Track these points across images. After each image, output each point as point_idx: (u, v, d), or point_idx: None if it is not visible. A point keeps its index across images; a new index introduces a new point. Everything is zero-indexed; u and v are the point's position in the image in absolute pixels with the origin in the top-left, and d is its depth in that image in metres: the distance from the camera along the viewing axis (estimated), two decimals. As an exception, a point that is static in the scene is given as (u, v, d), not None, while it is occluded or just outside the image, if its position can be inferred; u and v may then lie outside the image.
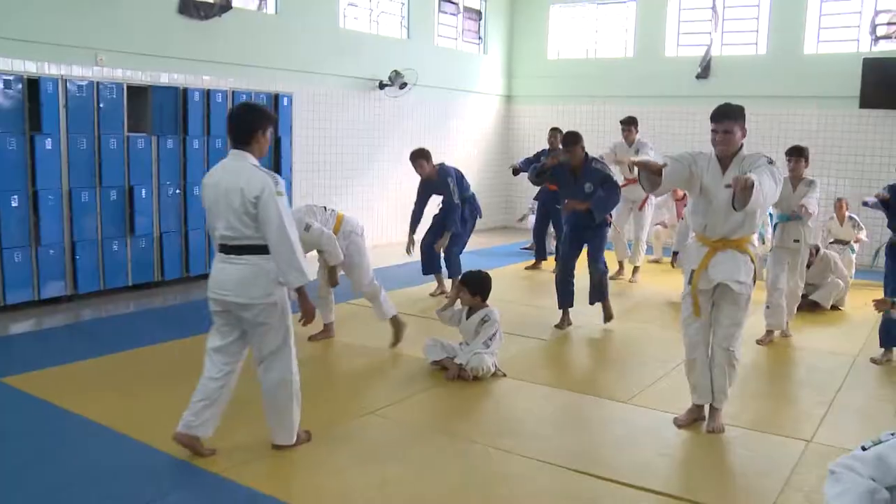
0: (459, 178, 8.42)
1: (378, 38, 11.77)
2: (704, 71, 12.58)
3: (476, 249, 8.82)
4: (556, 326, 7.22)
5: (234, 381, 4.19)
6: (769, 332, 6.97)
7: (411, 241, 8.31)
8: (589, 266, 7.24)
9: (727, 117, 4.57)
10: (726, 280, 4.59)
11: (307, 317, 4.07)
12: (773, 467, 4.28)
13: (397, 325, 6.45)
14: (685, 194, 9.51)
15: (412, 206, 8.49)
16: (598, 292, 7.31)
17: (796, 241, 6.93)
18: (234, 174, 3.92)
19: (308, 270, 3.94)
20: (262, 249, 3.92)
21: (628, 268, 9.92)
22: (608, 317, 7.36)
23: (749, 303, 4.73)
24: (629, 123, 9.82)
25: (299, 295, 4.00)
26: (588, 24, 14.12)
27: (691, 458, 4.49)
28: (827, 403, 5.35)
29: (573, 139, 7.01)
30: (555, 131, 10.04)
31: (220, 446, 4.20)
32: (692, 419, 4.88)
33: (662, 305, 8.34)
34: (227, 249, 3.98)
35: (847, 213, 10.08)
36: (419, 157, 8.24)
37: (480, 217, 8.81)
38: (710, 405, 4.85)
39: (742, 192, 4.19)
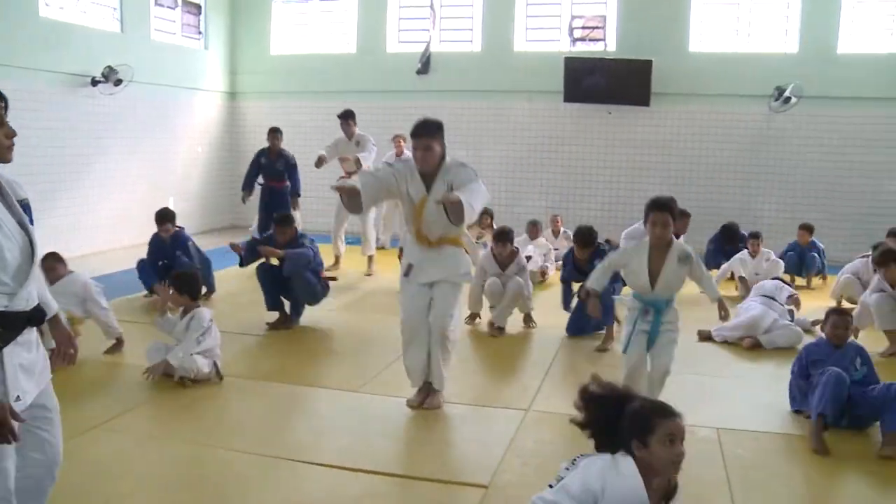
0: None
1: (88, 30, 10.98)
2: (424, 66, 13.10)
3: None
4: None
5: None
6: (473, 315, 7.48)
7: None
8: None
9: (426, 134, 4.76)
10: (444, 278, 4.88)
11: None
12: (494, 438, 4.61)
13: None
14: None
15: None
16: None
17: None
18: None
19: None
20: None
21: (363, 259, 10.16)
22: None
23: (460, 291, 5.05)
24: (346, 117, 10.03)
25: None
26: (311, 20, 14.17)
27: (419, 438, 4.71)
28: (542, 375, 5.83)
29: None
30: (274, 131, 10.24)
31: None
32: (423, 399, 5.11)
33: (392, 294, 8.59)
34: None
35: (561, 228, 10.98)
36: (165, 219, 8.15)
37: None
38: (431, 385, 5.11)
39: (454, 213, 4.51)
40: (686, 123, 12.37)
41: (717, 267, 9.53)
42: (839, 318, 5.16)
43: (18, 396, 2.57)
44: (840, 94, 11.74)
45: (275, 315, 7.20)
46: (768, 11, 12.37)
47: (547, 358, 6.37)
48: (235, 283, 8.63)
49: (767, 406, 5.28)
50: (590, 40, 12.59)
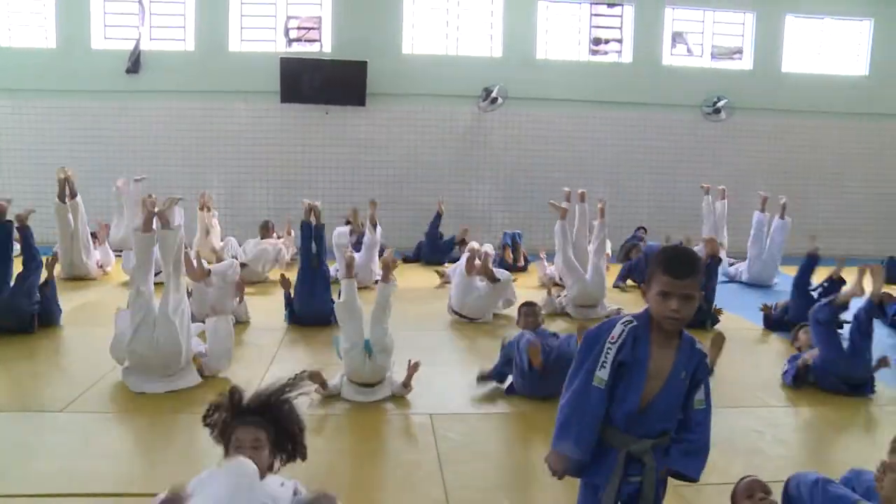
0: None
1: None
2: (134, 65, 12.47)
3: None
4: None
5: None
6: None
7: None
8: None
9: None
10: None
11: None
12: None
13: None
14: None
15: None
16: None
17: None
18: None
19: None
20: None
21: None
22: None
23: None
24: None
25: None
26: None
27: (134, 453, 4.52)
28: (261, 376, 5.79)
29: None
30: None
31: None
32: None
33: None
34: None
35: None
36: None
37: None
38: None
39: None
40: (402, 123, 12.84)
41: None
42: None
43: None
44: (539, 96, 12.79)
45: None
46: (474, 18, 13.17)
47: (269, 354, 6.42)
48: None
49: (475, 389, 5.63)
50: (305, 41, 12.70)
